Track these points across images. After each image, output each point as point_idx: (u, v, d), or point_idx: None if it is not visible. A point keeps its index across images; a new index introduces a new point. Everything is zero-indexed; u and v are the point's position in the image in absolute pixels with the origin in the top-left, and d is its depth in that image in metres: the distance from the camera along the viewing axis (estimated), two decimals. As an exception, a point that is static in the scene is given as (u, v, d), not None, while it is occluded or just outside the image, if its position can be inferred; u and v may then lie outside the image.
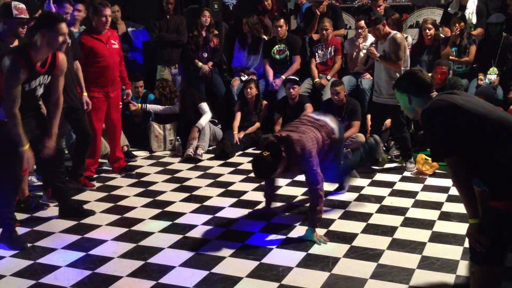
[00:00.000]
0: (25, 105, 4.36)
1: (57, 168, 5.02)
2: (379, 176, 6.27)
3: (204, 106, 7.56)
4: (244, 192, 5.82)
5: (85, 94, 5.98)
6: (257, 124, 7.78)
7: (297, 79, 7.65)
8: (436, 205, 5.30)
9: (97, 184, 6.16)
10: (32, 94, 4.45)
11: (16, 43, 4.97)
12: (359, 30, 7.81)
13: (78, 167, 5.97)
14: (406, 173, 6.35)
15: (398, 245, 4.43)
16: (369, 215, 5.10)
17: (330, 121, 5.07)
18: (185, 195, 5.77)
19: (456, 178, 3.02)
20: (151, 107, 7.68)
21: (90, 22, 6.38)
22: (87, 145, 5.92)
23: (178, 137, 7.51)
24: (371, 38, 7.87)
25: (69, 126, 5.98)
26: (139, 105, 7.62)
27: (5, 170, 4.55)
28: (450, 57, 7.29)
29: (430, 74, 7.25)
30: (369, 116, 7.01)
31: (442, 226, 4.77)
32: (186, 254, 4.35)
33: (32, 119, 4.59)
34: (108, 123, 6.50)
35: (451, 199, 5.45)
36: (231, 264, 4.18)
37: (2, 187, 4.58)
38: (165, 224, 4.98)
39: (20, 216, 5.11)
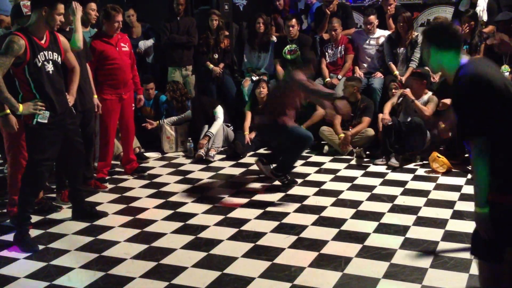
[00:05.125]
0: (47, 85, 4.56)
1: (78, 170, 5.14)
2: (391, 175, 6.26)
3: (218, 111, 7.53)
4: (256, 193, 5.82)
5: (95, 96, 6.01)
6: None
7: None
8: (449, 204, 5.27)
9: (109, 186, 6.20)
10: (45, 72, 4.58)
11: None
12: (368, 26, 7.81)
13: (86, 170, 5.99)
14: (418, 172, 6.33)
15: (411, 245, 4.41)
16: (381, 214, 5.08)
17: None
18: (197, 196, 5.79)
19: (480, 160, 2.79)
20: (167, 121, 7.69)
21: (100, 25, 6.41)
22: (89, 149, 5.96)
23: (189, 138, 7.52)
24: (378, 32, 7.88)
25: None
26: (157, 122, 7.65)
27: (32, 172, 4.65)
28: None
29: (440, 73, 7.30)
30: (380, 115, 6.99)
31: (455, 225, 4.75)
32: (198, 255, 4.36)
33: (63, 116, 4.75)
34: (122, 125, 6.54)
35: (464, 197, 5.43)
36: (243, 265, 4.18)
37: (26, 189, 4.67)
38: (177, 225, 5.00)
39: (33, 218, 5.12)
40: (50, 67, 4.62)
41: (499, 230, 2.86)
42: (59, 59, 4.73)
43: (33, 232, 4.85)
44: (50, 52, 4.63)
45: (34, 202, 4.89)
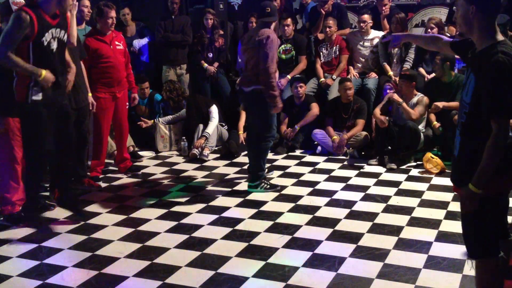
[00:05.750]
0: (47, 65, 4.52)
1: (66, 163, 5.05)
2: (385, 176, 6.27)
3: (213, 110, 7.52)
4: (250, 192, 5.82)
5: (90, 94, 5.99)
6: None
7: (304, 78, 7.67)
8: (442, 205, 5.29)
9: (103, 185, 6.18)
10: (49, 50, 4.55)
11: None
12: (361, 24, 7.83)
13: (80, 168, 5.97)
14: (412, 173, 6.34)
15: (404, 245, 4.42)
16: (375, 214, 5.09)
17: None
18: (191, 195, 5.78)
19: (502, 141, 2.77)
20: (162, 120, 7.67)
21: (95, 23, 6.39)
22: (83, 147, 5.94)
23: (184, 137, 7.51)
24: (373, 33, 7.90)
25: None
26: (152, 121, 7.65)
27: (33, 149, 4.69)
28: (456, 56, 7.25)
29: (433, 74, 7.32)
30: (376, 114, 6.99)
31: (448, 226, 4.76)
32: (192, 254, 4.35)
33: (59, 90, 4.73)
34: (115, 124, 6.52)
35: (457, 198, 5.40)
36: (237, 264, 4.18)
37: (32, 165, 4.71)
38: (171, 224, 4.99)
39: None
40: (55, 45, 4.59)
41: (491, 223, 2.90)
42: (65, 37, 4.70)
43: (26, 231, 4.84)
44: (58, 30, 4.59)
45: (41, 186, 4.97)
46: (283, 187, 5.91)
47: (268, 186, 5.83)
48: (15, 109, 4.75)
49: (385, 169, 6.47)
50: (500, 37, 2.86)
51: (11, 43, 4.38)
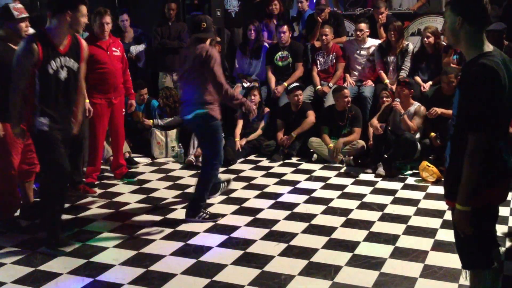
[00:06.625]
0: (54, 94, 4.42)
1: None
2: (381, 184, 6.27)
3: None
4: (246, 199, 5.81)
5: (87, 100, 5.97)
6: (259, 131, 7.79)
7: (302, 85, 7.68)
8: (439, 213, 5.29)
9: (98, 191, 6.16)
10: (56, 78, 4.42)
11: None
12: (358, 33, 7.86)
13: (75, 175, 5.94)
14: (408, 181, 6.34)
15: (401, 254, 4.42)
16: (371, 223, 5.08)
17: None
18: (187, 202, 5.75)
19: (477, 157, 2.71)
20: (161, 121, 7.67)
21: (92, 29, 6.38)
22: (79, 153, 5.91)
23: (180, 144, 7.50)
24: (370, 41, 7.92)
25: None
26: (151, 121, 7.64)
27: (50, 185, 4.55)
28: (452, 65, 7.28)
29: (430, 83, 7.34)
30: (372, 122, 7.00)
31: (445, 235, 4.75)
32: (187, 262, 4.33)
33: (68, 120, 4.63)
34: (112, 130, 6.50)
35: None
36: (233, 272, 4.16)
37: (50, 188, 4.57)
38: (166, 231, 4.97)
39: (21, 223, 5.13)
40: (63, 74, 4.46)
41: (484, 234, 2.90)
42: (76, 66, 4.55)
43: (20, 237, 4.81)
44: (67, 58, 4.47)
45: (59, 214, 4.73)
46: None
47: (208, 216, 5.25)
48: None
49: (381, 178, 6.46)
50: (487, 48, 2.83)
51: (21, 72, 4.33)
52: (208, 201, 5.71)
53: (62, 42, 4.45)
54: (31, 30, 5.04)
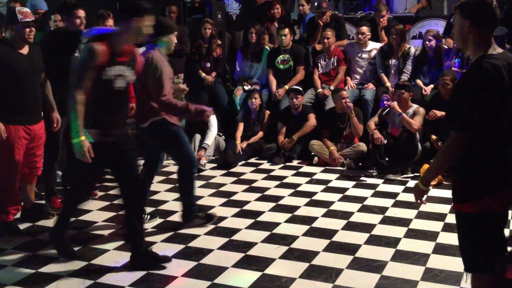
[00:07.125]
0: (105, 100, 4.12)
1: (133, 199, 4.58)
2: (382, 187, 6.26)
3: (212, 120, 7.49)
4: (247, 202, 5.81)
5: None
6: (260, 134, 7.79)
7: (301, 89, 7.68)
8: (440, 216, 5.28)
9: (99, 193, 6.15)
10: (109, 85, 4.07)
11: (26, 48, 4.92)
12: (360, 36, 7.87)
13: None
14: (410, 184, 6.34)
15: (402, 257, 4.41)
16: (372, 226, 5.08)
17: None
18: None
19: (451, 154, 2.84)
20: None
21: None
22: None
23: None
24: (371, 45, 7.93)
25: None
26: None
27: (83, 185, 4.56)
28: (453, 68, 7.28)
29: (431, 86, 7.34)
30: (371, 127, 6.99)
31: (446, 238, 4.75)
32: (188, 264, 4.33)
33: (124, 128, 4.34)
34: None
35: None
36: (234, 275, 4.15)
37: (75, 198, 4.56)
38: (167, 233, 4.97)
39: (23, 225, 5.14)
40: (118, 83, 4.11)
41: (486, 239, 2.89)
42: (130, 75, 4.23)
43: (21, 239, 4.81)
44: (124, 68, 4.13)
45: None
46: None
47: (204, 221, 5.17)
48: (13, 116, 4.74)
49: (382, 180, 6.46)
50: (492, 50, 2.85)
51: (83, 78, 3.96)
52: (208, 204, 5.73)
53: (122, 50, 4.11)
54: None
